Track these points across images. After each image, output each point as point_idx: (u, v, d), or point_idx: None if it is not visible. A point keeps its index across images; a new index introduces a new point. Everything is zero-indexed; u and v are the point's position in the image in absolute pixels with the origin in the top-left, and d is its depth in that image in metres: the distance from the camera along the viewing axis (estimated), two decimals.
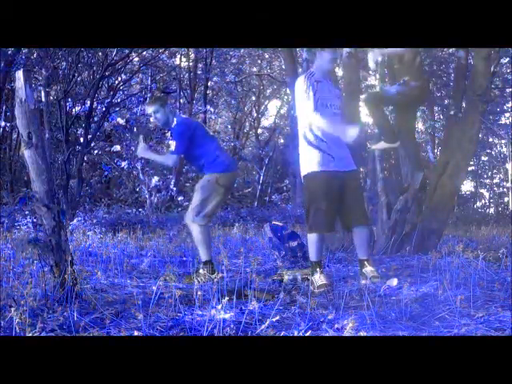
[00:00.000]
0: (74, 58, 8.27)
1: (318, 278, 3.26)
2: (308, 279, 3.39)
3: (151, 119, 3.85)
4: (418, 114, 10.81)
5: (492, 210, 19.85)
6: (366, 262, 3.36)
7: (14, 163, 12.59)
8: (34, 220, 6.93)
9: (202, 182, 3.82)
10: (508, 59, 10.58)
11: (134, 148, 9.30)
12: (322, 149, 3.26)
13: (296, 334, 2.03)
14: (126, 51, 8.69)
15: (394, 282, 3.05)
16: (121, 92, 10.77)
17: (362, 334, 1.97)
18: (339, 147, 3.30)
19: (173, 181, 12.63)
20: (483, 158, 19.97)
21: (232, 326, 2.05)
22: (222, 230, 7.00)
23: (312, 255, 3.35)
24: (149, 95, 12.29)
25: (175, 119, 3.83)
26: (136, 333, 1.94)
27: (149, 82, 12.58)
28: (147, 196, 9.13)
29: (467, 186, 20.82)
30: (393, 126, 4.46)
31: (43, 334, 2.00)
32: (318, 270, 3.30)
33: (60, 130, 8.36)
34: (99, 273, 3.25)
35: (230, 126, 20.77)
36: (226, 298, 2.14)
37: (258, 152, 19.21)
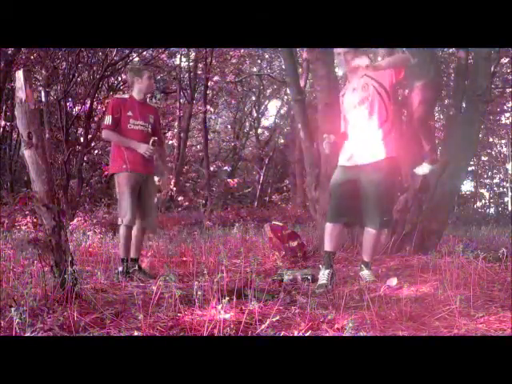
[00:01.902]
0: (73, 58, 8.28)
1: (322, 275, 3.27)
2: (308, 279, 3.39)
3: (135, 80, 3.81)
4: None
5: (492, 210, 19.88)
6: (364, 265, 3.38)
7: (14, 163, 12.59)
8: (34, 220, 6.94)
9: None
10: (508, 59, 10.58)
11: None
12: (344, 146, 3.46)
13: (296, 333, 2.03)
14: (126, 51, 8.70)
15: (394, 281, 3.06)
16: (121, 92, 10.77)
17: (362, 333, 1.97)
18: (358, 142, 3.34)
19: (173, 181, 12.62)
20: (483, 158, 19.99)
21: (232, 326, 2.05)
22: (221, 230, 7.00)
23: (325, 244, 3.41)
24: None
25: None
26: (136, 333, 1.94)
27: None
28: None
29: (467, 186, 20.86)
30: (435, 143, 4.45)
31: (43, 334, 2.00)
32: (322, 266, 3.33)
33: (60, 129, 8.36)
34: (99, 273, 3.25)
35: (229, 126, 20.78)
36: (226, 298, 2.14)
37: (258, 152, 19.22)
